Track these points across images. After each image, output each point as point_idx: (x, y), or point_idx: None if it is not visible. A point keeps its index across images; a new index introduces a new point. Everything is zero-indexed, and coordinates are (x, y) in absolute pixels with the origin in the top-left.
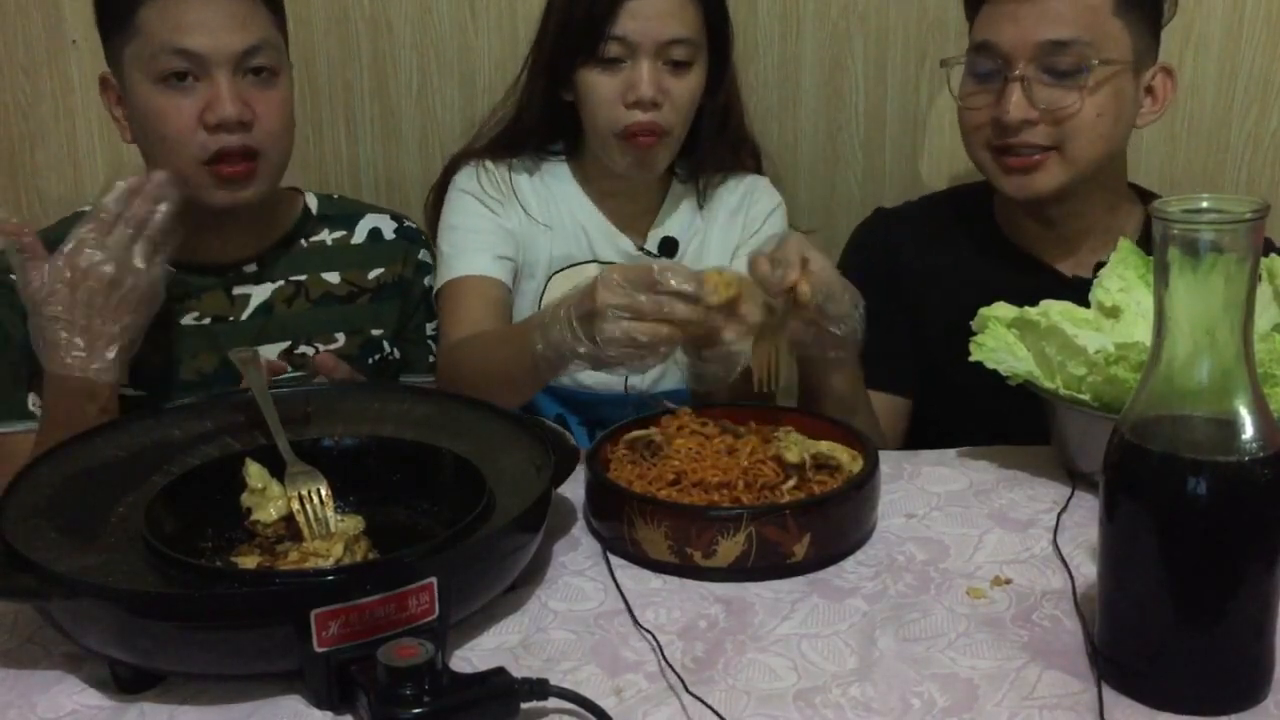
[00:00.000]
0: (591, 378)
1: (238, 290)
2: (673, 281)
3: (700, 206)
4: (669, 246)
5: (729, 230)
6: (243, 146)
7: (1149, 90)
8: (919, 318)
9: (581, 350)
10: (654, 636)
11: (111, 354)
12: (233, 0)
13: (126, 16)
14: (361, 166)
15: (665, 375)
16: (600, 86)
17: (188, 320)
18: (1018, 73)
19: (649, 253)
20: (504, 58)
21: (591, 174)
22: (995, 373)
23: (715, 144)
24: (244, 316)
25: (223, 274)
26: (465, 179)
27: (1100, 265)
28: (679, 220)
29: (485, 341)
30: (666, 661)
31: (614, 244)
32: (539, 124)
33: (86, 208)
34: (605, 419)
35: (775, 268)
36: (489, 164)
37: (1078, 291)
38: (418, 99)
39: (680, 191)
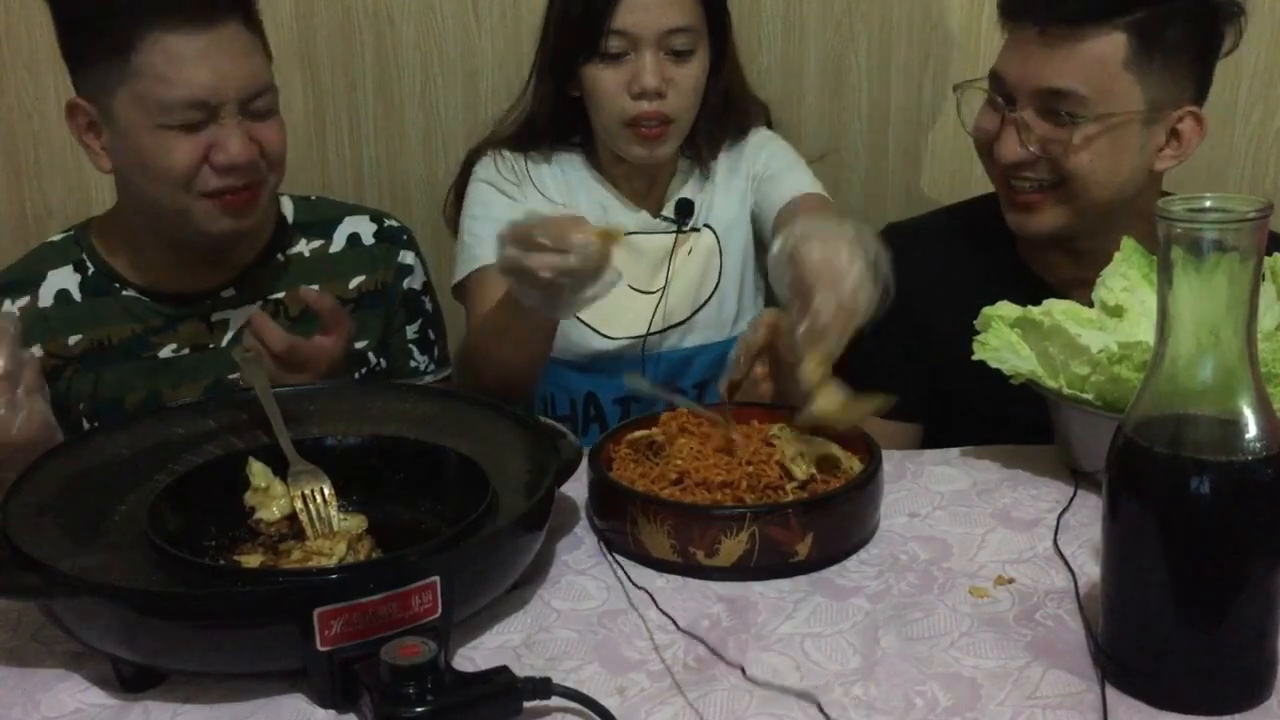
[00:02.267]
0: (612, 344)
1: (216, 317)
2: (543, 228)
3: (705, 176)
4: (685, 208)
5: (731, 184)
6: (247, 181)
7: (1175, 134)
8: (929, 339)
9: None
10: (671, 618)
11: None
12: (233, 41)
13: (120, 54)
14: (364, 166)
15: (693, 331)
16: (605, 81)
17: (165, 353)
18: (1015, 114)
19: (666, 218)
20: (507, 57)
21: (605, 162)
22: (1000, 380)
23: (718, 125)
24: (224, 343)
25: (199, 302)
26: (483, 168)
27: None
28: (689, 188)
29: (489, 314)
30: (665, 665)
31: (632, 216)
32: (551, 123)
33: (56, 237)
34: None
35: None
36: (506, 152)
37: None
38: (421, 98)
39: (687, 165)
